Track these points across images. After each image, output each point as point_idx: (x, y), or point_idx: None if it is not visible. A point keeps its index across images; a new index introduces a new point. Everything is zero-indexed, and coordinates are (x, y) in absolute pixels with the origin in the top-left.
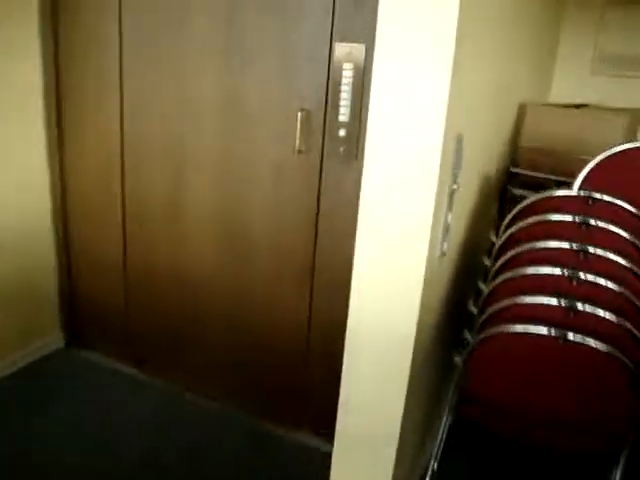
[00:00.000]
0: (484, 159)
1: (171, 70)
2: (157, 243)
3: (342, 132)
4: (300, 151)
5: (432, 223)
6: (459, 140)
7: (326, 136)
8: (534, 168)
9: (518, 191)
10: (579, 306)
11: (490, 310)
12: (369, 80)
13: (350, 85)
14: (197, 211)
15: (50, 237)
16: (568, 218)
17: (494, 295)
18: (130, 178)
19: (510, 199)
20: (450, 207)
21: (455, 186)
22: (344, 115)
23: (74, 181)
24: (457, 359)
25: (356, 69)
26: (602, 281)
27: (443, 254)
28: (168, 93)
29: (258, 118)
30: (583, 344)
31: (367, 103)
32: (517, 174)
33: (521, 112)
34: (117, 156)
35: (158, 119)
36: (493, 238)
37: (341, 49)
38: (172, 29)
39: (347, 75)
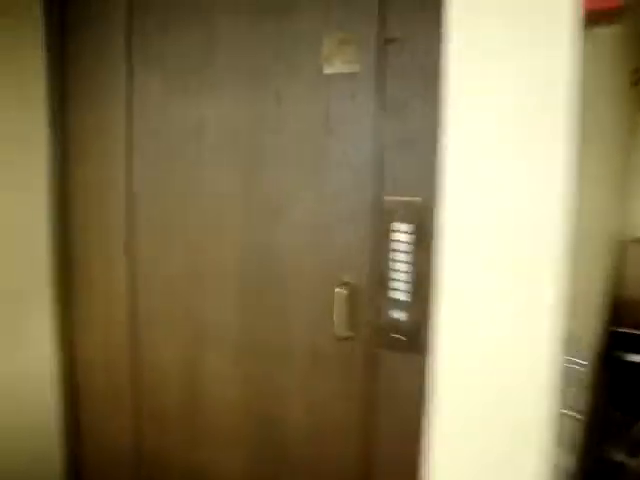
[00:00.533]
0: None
1: (183, 233)
2: (173, 440)
3: (398, 315)
4: (343, 337)
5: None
6: (578, 345)
7: (376, 320)
8: None
9: (630, 357)
10: None
11: None
12: (431, 246)
13: (406, 252)
14: (218, 404)
15: (56, 432)
16: None
17: None
18: (142, 366)
19: (619, 366)
20: (564, 443)
21: (567, 411)
22: (400, 292)
23: (82, 372)
24: None
25: (412, 231)
26: None
27: None
28: (179, 261)
29: (288, 291)
30: None
31: (433, 275)
32: (624, 335)
33: (622, 252)
34: (126, 345)
35: (170, 291)
36: (621, 459)
37: (391, 205)
38: (185, 186)
39: (401, 239)
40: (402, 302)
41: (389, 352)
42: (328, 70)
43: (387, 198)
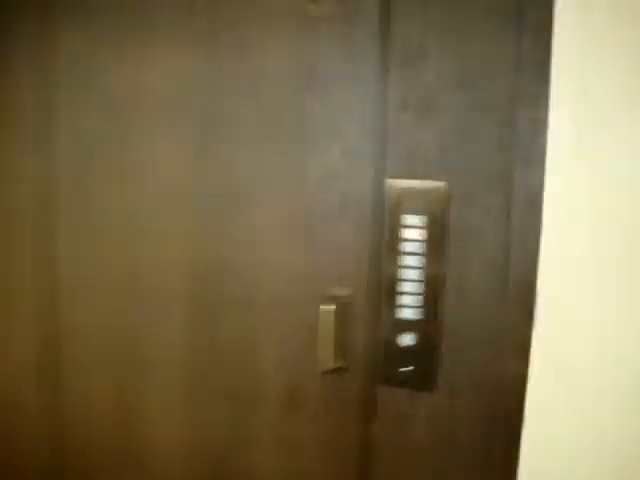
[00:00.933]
0: None
1: (114, 232)
2: None
3: (406, 338)
4: (330, 369)
5: None
6: None
7: (376, 345)
8: None
9: None
10: None
11: None
12: (456, 247)
13: (420, 256)
14: (159, 452)
15: None
16: None
17: None
18: (59, 396)
19: None
20: None
21: None
22: (409, 309)
23: None
24: None
25: (430, 226)
26: None
27: None
28: (109, 268)
29: (256, 308)
30: None
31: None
32: None
33: None
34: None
35: (97, 305)
36: None
37: (400, 191)
38: (117, 170)
39: (411, 236)
40: (410, 322)
41: (390, 391)
42: (315, 11)
43: (395, 182)
